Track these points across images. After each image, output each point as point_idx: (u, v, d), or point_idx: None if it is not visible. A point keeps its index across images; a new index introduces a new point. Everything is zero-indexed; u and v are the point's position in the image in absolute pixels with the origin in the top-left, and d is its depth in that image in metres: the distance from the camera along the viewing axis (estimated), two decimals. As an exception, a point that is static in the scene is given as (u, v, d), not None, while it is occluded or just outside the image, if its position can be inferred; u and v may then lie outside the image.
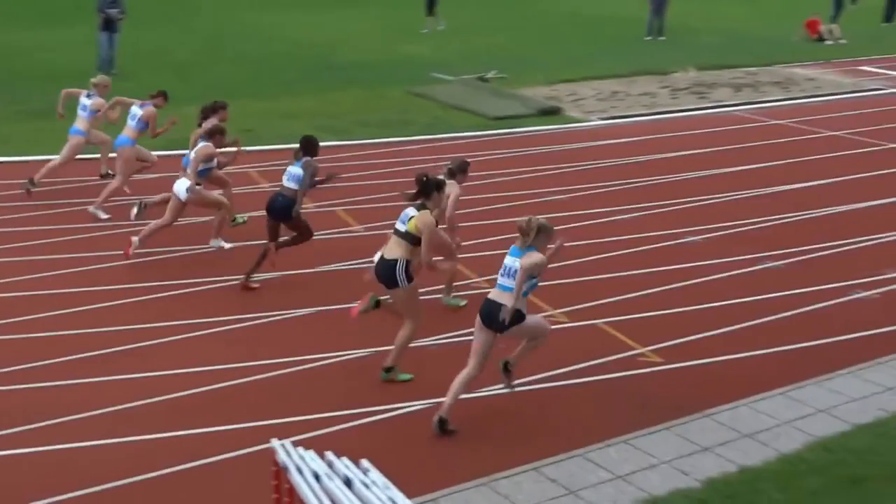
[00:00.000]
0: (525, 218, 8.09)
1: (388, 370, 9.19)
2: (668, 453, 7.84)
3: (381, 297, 9.26)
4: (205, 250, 12.55)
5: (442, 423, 8.20)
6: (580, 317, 10.59)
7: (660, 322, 10.54)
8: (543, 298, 11.07)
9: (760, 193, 15.31)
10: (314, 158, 11.23)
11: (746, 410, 8.56)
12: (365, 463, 5.95)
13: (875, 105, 22.14)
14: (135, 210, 12.78)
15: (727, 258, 12.44)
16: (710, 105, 21.75)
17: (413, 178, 9.15)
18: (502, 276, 8.13)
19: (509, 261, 8.10)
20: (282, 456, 5.98)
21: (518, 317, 8.07)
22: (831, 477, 7.39)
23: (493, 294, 8.17)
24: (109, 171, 14.84)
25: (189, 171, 11.94)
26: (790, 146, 18.28)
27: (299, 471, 5.78)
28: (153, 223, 12.17)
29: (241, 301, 11.02)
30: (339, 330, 10.23)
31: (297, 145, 11.31)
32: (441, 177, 9.78)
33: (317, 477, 5.70)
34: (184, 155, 12.59)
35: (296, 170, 11.12)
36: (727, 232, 13.51)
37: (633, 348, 9.88)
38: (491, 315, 8.11)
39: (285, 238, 11.43)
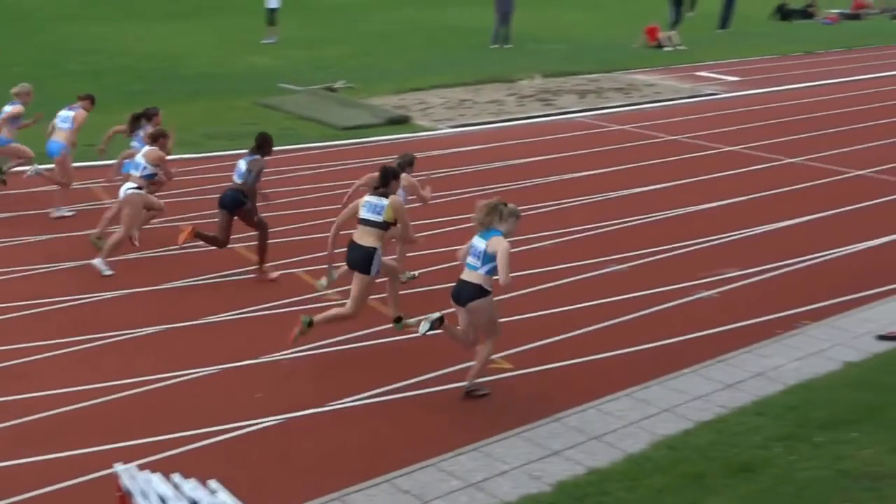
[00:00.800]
0: (489, 203, 8.74)
1: (310, 325, 9.70)
2: (519, 459, 7.90)
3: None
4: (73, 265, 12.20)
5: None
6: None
7: (509, 329, 10.61)
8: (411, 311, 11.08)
9: (605, 198, 15.62)
10: (264, 158, 11.82)
11: (594, 413, 8.70)
12: (213, 484, 5.83)
13: (712, 109, 22.85)
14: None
15: (573, 262, 12.65)
16: (555, 112, 22.12)
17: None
18: (473, 257, 8.77)
19: (477, 243, 8.75)
20: (126, 481, 5.82)
21: (482, 293, 8.77)
22: (675, 474, 7.56)
23: (464, 275, 8.86)
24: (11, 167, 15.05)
25: (136, 174, 12.25)
26: (633, 151, 18.71)
27: (144, 496, 5.63)
28: (114, 239, 12.24)
29: (95, 318, 10.73)
30: (189, 348, 10.04)
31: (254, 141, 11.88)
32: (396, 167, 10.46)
33: (163, 501, 5.56)
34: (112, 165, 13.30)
35: (243, 165, 11.74)
36: (574, 237, 13.74)
37: (483, 355, 9.93)
38: (462, 294, 8.84)
39: (256, 244, 11.99)
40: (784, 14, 40.27)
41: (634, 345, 10.24)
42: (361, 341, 10.26)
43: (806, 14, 40.56)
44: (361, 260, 9.67)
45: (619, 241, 13.58)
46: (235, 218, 11.93)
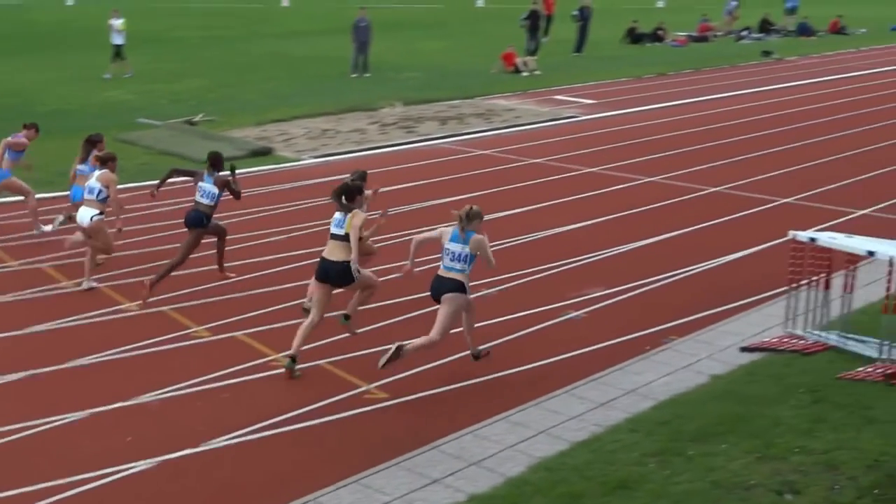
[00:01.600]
0: (463, 210, 9.87)
1: (293, 359, 10.12)
2: (399, 489, 7.85)
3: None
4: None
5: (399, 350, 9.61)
6: (303, 358, 10.48)
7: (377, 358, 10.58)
8: (265, 342, 10.93)
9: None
10: (220, 173, 12.51)
11: (471, 438, 8.70)
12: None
13: (571, 132, 23.25)
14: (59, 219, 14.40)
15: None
16: (417, 139, 22.20)
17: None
18: (448, 258, 9.83)
19: (452, 246, 9.81)
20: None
21: (459, 288, 9.82)
22: (554, 496, 7.60)
23: (441, 271, 9.90)
24: None
25: (92, 198, 12.55)
26: (496, 175, 18.88)
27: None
28: (87, 259, 12.69)
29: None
30: (55, 393, 9.72)
31: (208, 160, 12.58)
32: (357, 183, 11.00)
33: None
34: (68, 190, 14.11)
35: (207, 186, 12.35)
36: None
37: (358, 386, 9.87)
38: (439, 289, 9.84)
39: (217, 252, 12.86)
40: (634, 38, 41.30)
41: (508, 368, 10.30)
42: (231, 378, 10.08)
43: (656, 37, 41.67)
44: (338, 274, 10.20)
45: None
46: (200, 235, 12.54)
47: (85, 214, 12.56)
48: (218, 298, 12.37)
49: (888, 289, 9.91)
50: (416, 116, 24.75)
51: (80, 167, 13.89)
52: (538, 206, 16.74)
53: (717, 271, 13.53)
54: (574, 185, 18.09)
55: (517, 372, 10.24)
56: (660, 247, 14.59)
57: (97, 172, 12.70)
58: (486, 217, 15.73)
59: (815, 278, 10.69)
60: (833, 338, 10.61)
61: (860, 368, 9.85)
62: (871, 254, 10.33)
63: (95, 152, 13.51)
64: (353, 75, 31.04)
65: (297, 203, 16.86)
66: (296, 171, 19.26)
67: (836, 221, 15.61)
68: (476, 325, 10.71)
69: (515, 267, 13.51)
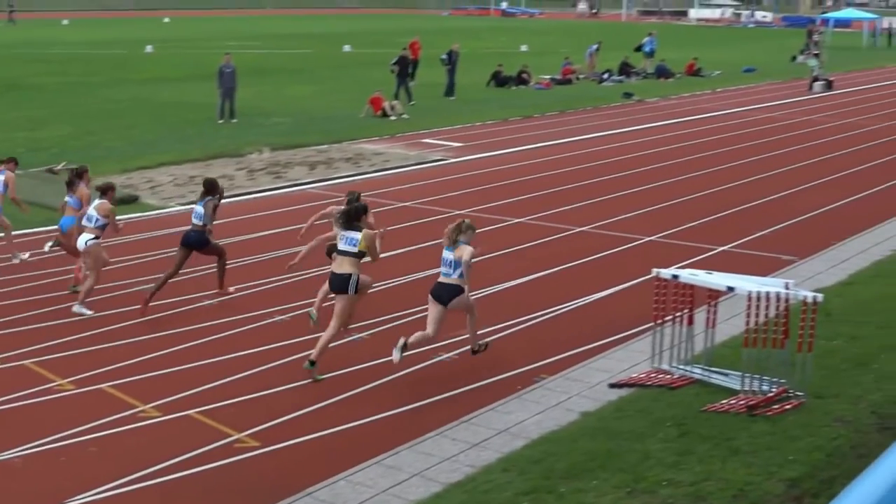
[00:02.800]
0: (455, 224, 11.35)
1: (313, 363, 11.15)
2: (272, 538, 7.74)
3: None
4: None
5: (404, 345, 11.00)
6: (172, 409, 10.29)
7: (253, 405, 10.46)
8: (131, 393, 10.70)
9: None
10: (215, 196, 13.76)
11: (344, 484, 8.64)
12: None
13: (439, 175, 23.43)
14: (49, 245, 14.92)
15: (315, 334, 12.58)
16: (286, 184, 22.10)
17: None
18: (443, 265, 11.20)
19: (446, 255, 11.17)
20: None
21: (459, 291, 11.11)
22: (430, 539, 7.60)
23: (441, 278, 11.18)
24: None
25: (90, 225, 13.57)
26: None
27: None
28: (86, 285, 13.58)
29: None
30: None
31: (202, 186, 13.95)
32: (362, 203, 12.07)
33: None
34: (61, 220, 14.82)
35: (199, 209, 13.63)
36: (309, 309, 13.67)
37: (229, 435, 9.73)
38: (440, 295, 11.12)
39: (217, 270, 13.99)
40: (500, 81, 41.89)
41: (380, 412, 10.28)
42: (99, 431, 9.83)
43: (520, 80, 42.36)
44: (340, 285, 11.32)
45: (361, 308, 13.62)
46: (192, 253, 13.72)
47: (82, 239, 13.64)
48: (82, 350, 12.08)
49: (748, 323, 10.22)
50: (284, 162, 24.65)
51: (67, 199, 14.77)
52: (409, 248, 16.80)
53: (585, 309, 13.77)
54: (443, 228, 18.15)
55: (390, 415, 10.22)
56: (529, 287, 14.78)
57: (96, 202, 13.77)
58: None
59: (678, 314, 10.96)
60: (697, 372, 10.88)
61: (724, 400, 10.11)
62: (730, 289, 10.64)
63: (82, 184, 14.63)
64: (220, 121, 30.79)
65: (166, 251, 16.59)
66: (163, 219, 18.97)
67: (697, 258, 16.05)
68: (351, 368, 10.65)
69: (388, 310, 13.52)
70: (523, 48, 59.34)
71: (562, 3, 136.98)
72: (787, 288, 10.43)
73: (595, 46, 47.11)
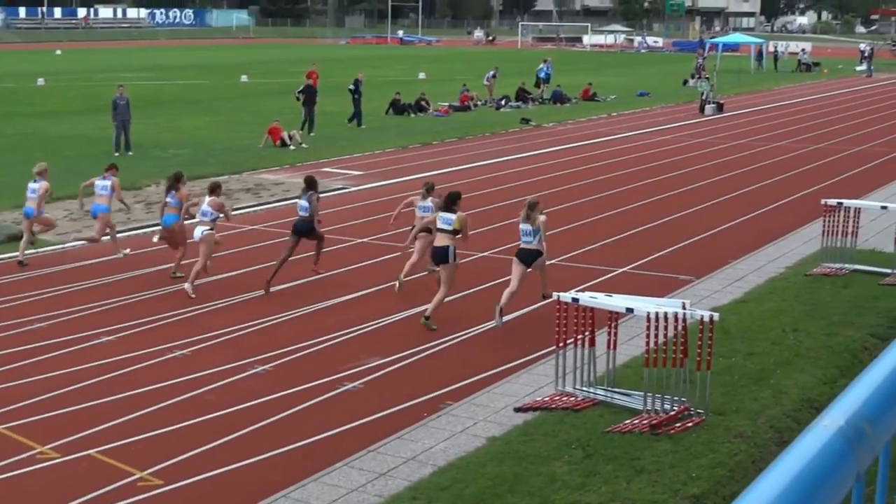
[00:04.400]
0: (527, 203, 14.35)
1: (427, 318, 13.99)
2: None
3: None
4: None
5: (500, 310, 14.00)
6: (71, 449, 10.06)
7: (156, 442, 10.28)
8: (28, 435, 10.42)
9: (243, 299, 15.53)
10: (316, 191, 16.54)
11: (252, 519, 8.54)
12: None
13: (340, 203, 23.35)
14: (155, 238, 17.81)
15: (217, 367, 12.44)
16: (185, 217, 21.76)
17: None
18: (523, 235, 14.16)
19: (523, 226, 14.14)
20: None
21: (539, 254, 14.21)
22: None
23: (522, 245, 14.20)
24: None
25: (206, 220, 16.00)
26: (265, 250, 18.72)
27: None
28: (196, 268, 15.87)
29: None
30: None
31: (304, 184, 16.72)
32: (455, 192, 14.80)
33: None
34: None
35: (303, 203, 16.37)
36: (213, 342, 13.52)
37: (131, 474, 9.53)
38: (524, 258, 14.10)
39: (314, 255, 16.77)
40: (398, 109, 41.97)
41: (286, 444, 10.18)
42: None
43: (419, 108, 42.54)
44: (441, 256, 14.16)
45: (262, 340, 13.51)
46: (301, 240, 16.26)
47: (198, 230, 16.06)
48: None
49: (647, 343, 10.37)
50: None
51: (168, 199, 17.08)
52: (311, 279, 16.71)
53: (490, 334, 13.83)
54: (346, 257, 18.15)
55: (294, 448, 10.12)
56: (434, 313, 14.78)
57: (208, 198, 16.22)
58: (260, 291, 15.70)
59: (580, 337, 11.07)
60: (601, 393, 11.00)
61: (627, 421, 10.23)
62: (629, 311, 10.80)
63: (181, 187, 17.07)
64: (116, 153, 30.27)
65: (62, 287, 16.25)
66: (59, 255, 18.58)
67: (597, 280, 16.26)
68: (254, 402, 10.54)
69: (289, 341, 13.41)
70: (421, 76, 59.66)
71: (458, 31, 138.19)
72: (684, 308, 10.62)
73: (492, 73, 47.54)
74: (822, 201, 16.96)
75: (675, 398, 10.42)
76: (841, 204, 16.74)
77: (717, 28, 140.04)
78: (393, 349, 13.05)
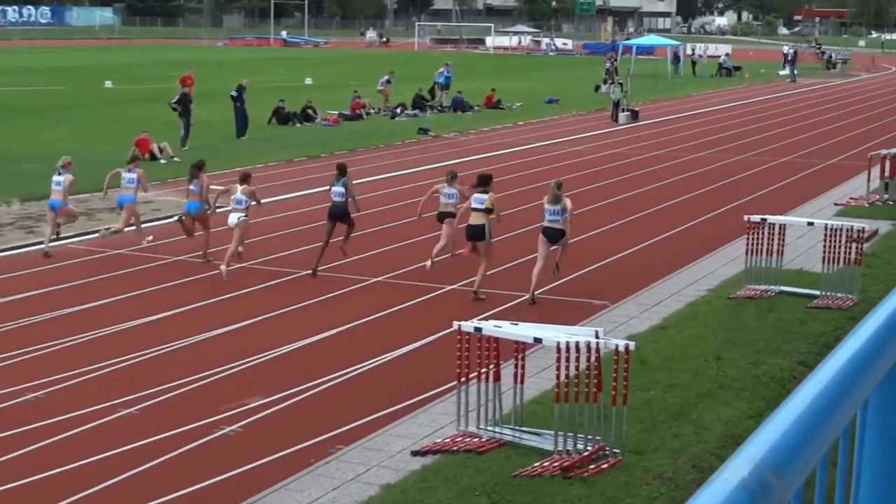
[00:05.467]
0: (553, 185, 16.71)
1: (476, 293, 16.85)
2: None
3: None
4: None
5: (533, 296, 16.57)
6: None
7: (24, 492, 9.98)
8: None
9: (110, 332, 15.21)
10: (347, 177, 18.99)
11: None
12: None
13: (215, 224, 22.95)
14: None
15: (76, 412, 12.12)
16: (39, 240, 21.28)
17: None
18: (550, 215, 16.50)
19: (549, 207, 16.48)
20: None
21: (564, 234, 16.62)
22: None
23: (547, 224, 16.57)
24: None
25: (240, 207, 18.49)
26: (137, 276, 18.40)
27: None
28: (230, 251, 18.25)
29: None
30: None
31: (336, 171, 19.20)
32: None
33: None
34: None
35: (338, 188, 18.66)
36: (71, 382, 13.18)
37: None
38: (552, 236, 16.54)
39: (343, 237, 18.69)
40: (282, 118, 41.63)
41: (151, 498, 9.94)
42: None
43: (306, 117, 42.32)
44: (476, 234, 16.99)
45: (128, 380, 13.22)
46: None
47: (234, 216, 18.44)
48: None
49: (558, 376, 10.38)
50: (37, 214, 23.76)
51: (191, 187, 19.83)
52: (186, 308, 16.43)
53: (382, 370, 13.74)
54: (220, 285, 17.87)
55: (167, 500, 9.89)
56: (322, 346, 14.67)
57: (240, 187, 18.75)
58: (125, 324, 15.39)
59: (483, 370, 11.04)
60: (507, 433, 10.97)
61: (536, 463, 10.22)
62: (537, 341, 10.81)
63: (203, 176, 19.91)
64: (-39, 169, 29.54)
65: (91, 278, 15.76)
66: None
67: (502, 307, 16.28)
68: (125, 448, 10.29)
69: (160, 380, 13.15)
70: (308, 81, 59.47)
71: (349, 32, 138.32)
72: (597, 336, 10.66)
73: (386, 78, 47.57)
74: (745, 217, 17.24)
75: (589, 437, 10.44)
76: (765, 220, 17.05)
77: (631, 29, 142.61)
78: (278, 387, 12.86)
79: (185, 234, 20.02)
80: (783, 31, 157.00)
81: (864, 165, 26.29)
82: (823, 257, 16.54)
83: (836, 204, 25.25)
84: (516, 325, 11.46)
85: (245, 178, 19.24)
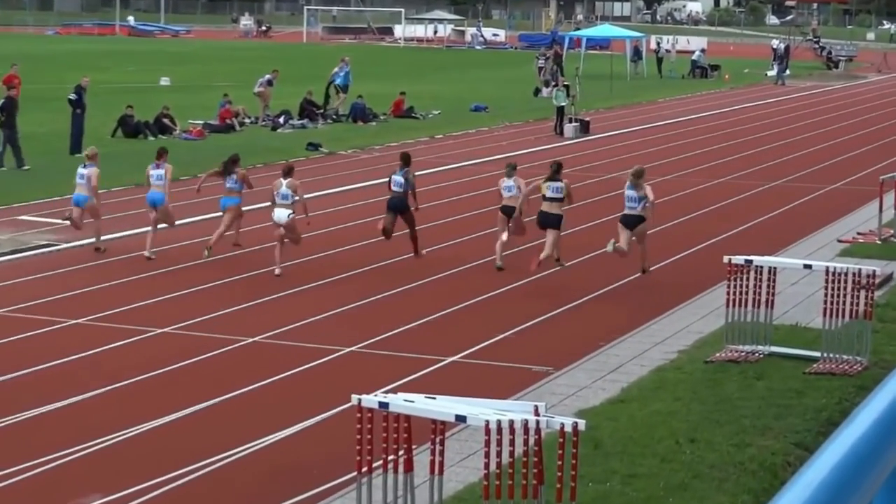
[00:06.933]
0: (634, 171, 21.79)
1: (558, 259, 21.73)
2: None
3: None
4: None
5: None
6: None
7: None
8: None
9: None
10: (411, 167, 23.70)
11: None
12: None
13: (45, 267, 22.70)
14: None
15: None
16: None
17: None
18: (629, 202, 21.34)
19: (630, 192, 21.32)
20: None
21: (642, 220, 21.25)
22: None
23: (626, 211, 21.35)
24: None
25: (287, 202, 22.17)
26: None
27: None
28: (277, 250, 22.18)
29: None
30: None
31: (400, 160, 24.10)
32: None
33: None
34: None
35: (399, 178, 23.04)
36: None
37: None
38: (628, 222, 21.17)
39: (410, 237, 23.09)
40: (130, 129, 41.12)
41: None
42: None
43: (161, 128, 41.92)
44: (552, 222, 21.48)
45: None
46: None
47: (282, 214, 22.06)
48: None
49: (487, 465, 10.34)
50: None
51: (228, 184, 23.57)
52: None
53: (260, 456, 13.64)
54: (53, 345, 17.67)
55: None
56: (188, 423, 14.58)
57: (286, 181, 22.50)
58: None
59: (391, 457, 10.97)
60: (422, 539, 10.92)
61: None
62: (461, 419, 10.78)
63: (239, 169, 23.96)
64: None
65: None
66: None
67: (416, 375, 16.24)
68: None
69: (56, 447, 13.02)
70: (164, 81, 59.25)
71: (218, 19, 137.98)
72: (537, 413, 10.66)
73: (267, 78, 47.39)
74: (726, 259, 17.34)
75: (528, 544, 10.42)
76: (750, 262, 17.17)
77: (580, 16, 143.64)
78: (125, 480, 12.69)
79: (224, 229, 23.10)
80: (772, 20, 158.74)
81: (875, 192, 26.58)
82: (824, 309, 16.68)
83: (839, 241, 25.55)
84: (433, 398, 11.41)
85: (289, 171, 22.98)
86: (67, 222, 24.29)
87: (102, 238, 24.26)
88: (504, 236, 22.49)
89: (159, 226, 23.98)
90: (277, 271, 22.02)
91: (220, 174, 24.19)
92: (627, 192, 21.56)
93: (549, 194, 21.65)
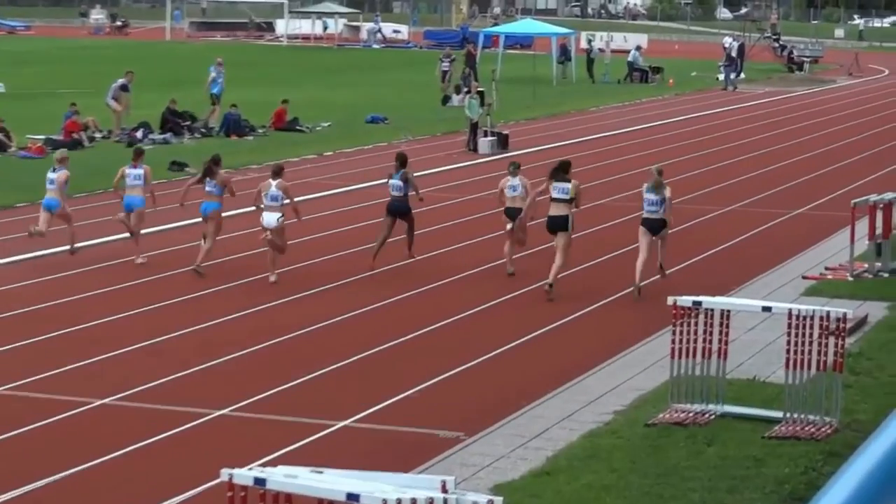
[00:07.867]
0: (654, 172, 24.68)
1: (551, 286, 23.73)
2: None
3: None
4: None
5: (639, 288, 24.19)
6: None
7: None
8: None
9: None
10: (407, 169, 26.38)
11: None
12: None
13: None
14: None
15: None
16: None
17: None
18: (649, 205, 24.03)
19: (650, 196, 24.03)
20: None
21: (665, 224, 24.27)
22: None
23: (646, 215, 24.12)
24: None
25: (276, 204, 24.45)
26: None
27: None
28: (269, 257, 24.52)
29: None
30: None
31: (395, 161, 26.81)
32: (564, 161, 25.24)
33: None
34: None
35: (397, 182, 25.83)
36: None
37: None
38: (652, 227, 23.95)
39: (406, 237, 25.89)
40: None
41: None
42: None
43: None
44: (559, 225, 23.69)
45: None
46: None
47: (271, 218, 24.16)
48: None
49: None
50: None
51: (207, 188, 25.41)
52: None
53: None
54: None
55: None
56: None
57: (275, 182, 24.58)
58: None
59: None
60: None
61: None
62: (353, 498, 10.67)
63: (218, 169, 25.48)
64: None
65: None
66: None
67: (301, 443, 16.16)
68: None
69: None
70: (-3, 87, 58.86)
71: (64, 12, 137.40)
72: (445, 489, 10.61)
73: (121, 82, 47.10)
74: (671, 300, 17.35)
75: None
76: (699, 304, 17.20)
77: (497, 10, 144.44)
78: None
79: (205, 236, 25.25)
80: (724, 13, 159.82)
81: (845, 218, 26.84)
82: (787, 360, 16.75)
83: (804, 277, 25.78)
84: (320, 472, 11.33)
85: (278, 172, 25.27)
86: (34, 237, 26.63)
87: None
88: (506, 247, 25.32)
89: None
90: (273, 278, 24.46)
91: (199, 180, 26.14)
92: (647, 195, 23.94)
93: (554, 195, 23.85)
